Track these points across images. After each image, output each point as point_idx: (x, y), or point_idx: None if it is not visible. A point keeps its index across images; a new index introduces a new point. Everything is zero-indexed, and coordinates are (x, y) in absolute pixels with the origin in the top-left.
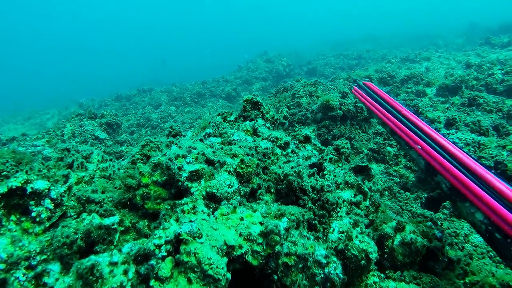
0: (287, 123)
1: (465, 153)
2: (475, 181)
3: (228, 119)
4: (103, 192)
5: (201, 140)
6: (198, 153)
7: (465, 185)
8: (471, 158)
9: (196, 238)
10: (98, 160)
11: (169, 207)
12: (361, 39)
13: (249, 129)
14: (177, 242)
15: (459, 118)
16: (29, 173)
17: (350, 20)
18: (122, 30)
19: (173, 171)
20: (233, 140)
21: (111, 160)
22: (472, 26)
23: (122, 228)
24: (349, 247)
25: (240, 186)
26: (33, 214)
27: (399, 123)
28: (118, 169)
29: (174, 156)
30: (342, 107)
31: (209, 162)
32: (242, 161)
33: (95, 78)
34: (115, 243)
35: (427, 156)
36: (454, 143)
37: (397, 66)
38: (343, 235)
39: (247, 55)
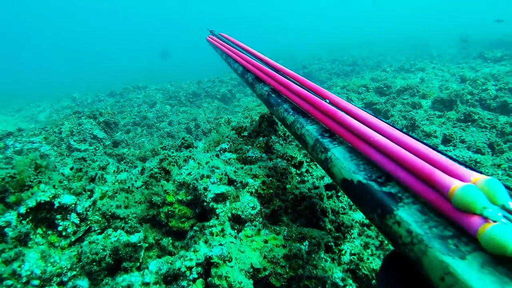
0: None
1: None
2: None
3: (242, 134)
4: (126, 207)
5: (217, 156)
6: (222, 173)
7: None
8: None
9: (227, 261)
10: (113, 171)
11: (197, 228)
12: (356, 44)
13: (263, 145)
14: (207, 265)
15: (455, 135)
16: (56, 187)
17: (346, 24)
18: (117, 19)
19: (199, 191)
20: (249, 156)
21: (126, 170)
22: (465, 38)
23: (146, 245)
24: (360, 267)
25: (262, 208)
26: (60, 228)
27: (252, 60)
28: (135, 181)
29: (199, 176)
30: None
31: (231, 181)
32: (263, 182)
33: (88, 71)
34: (140, 260)
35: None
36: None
37: (392, 76)
38: (355, 257)
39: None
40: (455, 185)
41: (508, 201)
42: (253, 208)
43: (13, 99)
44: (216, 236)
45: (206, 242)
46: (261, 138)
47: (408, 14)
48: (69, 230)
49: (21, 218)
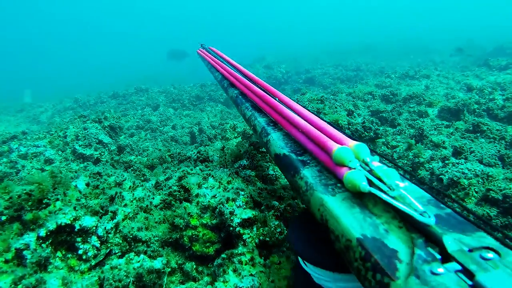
0: None
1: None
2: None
3: (261, 149)
4: (147, 229)
5: (236, 173)
6: (248, 196)
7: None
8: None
9: None
10: (129, 187)
11: (226, 256)
12: (359, 48)
13: None
14: None
15: (465, 146)
16: (76, 208)
17: (349, 27)
18: (119, 21)
19: (226, 216)
20: (269, 175)
21: (141, 185)
22: (469, 43)
23: (169, 269)
24: None
25: None
26: (80, 251)
27: (229, 69)
28: (153, 198)
29: (225, 200)
30: (350, 127)
31: (257, 204)
32: (289, 205)
33: (91, 71)
34: (164, 287)
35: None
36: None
37: (397, 82)
38: None
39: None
40: (335, 147)
41: (367, 157)
42: (280, 233)
43: (15, 101)
44: (246, 265)
45: (235, 271)
46: None
47: (408, 16)
48: (89, 254)
49: (40, 241)
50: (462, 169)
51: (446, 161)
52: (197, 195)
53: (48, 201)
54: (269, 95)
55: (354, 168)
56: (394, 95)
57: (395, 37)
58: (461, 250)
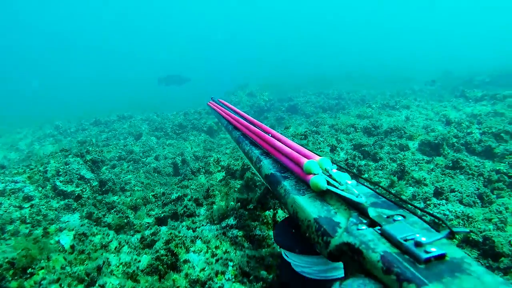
0: None
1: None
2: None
3: (248, 207)
4: None
5: (224, 234)
6: (236, 268)
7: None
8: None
9: None
10: (115, 248)
11: None
12: (340, 75)
13: (270, 221)
14: None
15: (445, 184)
16: (62, 286)
17: (331, 54)
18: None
19: None
20: (256, 235)
21: (127, 243)
22: (446, 74)
23: None
24: None
25: None
26: None
27: (234, 116)
28: (139, 261)
29: (214, 274)
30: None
31: (245, 274)
32: (277, 276)
33: (73, 96)
34: None
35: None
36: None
37: (378, 112)
38: None
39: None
40: (305, 161)
41: (327, 166)
42: None
43: None
44: None
45: None
46: (267, 212)
47: (390, 45)
48: None
49: None
50: (443, 210)
51: (428, 202)
52: (185, 261)
53: (32, 270)
54: (264, 132)
55: (318, 174)
56: (375, 127)
57: (376, 65)
58: (379, 215)
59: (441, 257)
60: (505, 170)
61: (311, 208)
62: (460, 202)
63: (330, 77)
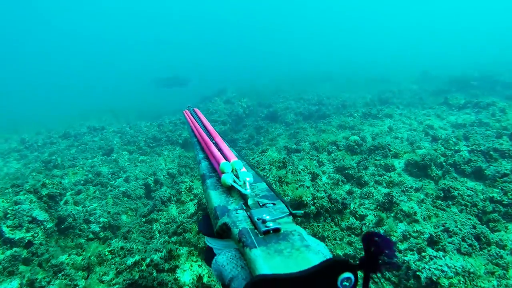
0: None
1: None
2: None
3: None
4: None
5: None
6: None
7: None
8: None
9: None
10: None
11: None
12: (320, 77)
13: None
14: None
15: (440, 230)
16: None
17: (309, 55)
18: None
19: None
20: None
21: None
22: (424, 74)
23: None
24: None
25: None
26: None
27: (202, 132)
28: None
29: None
30: (315, 201)
31: None
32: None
33: (42, 100)
34: None
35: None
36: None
37: (360, 122)
38: None
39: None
40: (222, 162)
41: (237, 167)
42: None
43: None
44: None
45: None
46: None
47: (365, 46)
48: None
49: None
50: (441, 265)
51: (423, 253)
52: None
53: None
54: (210, 139)
55: (228, 173)
56: (358, 145)
57: (352, 66)
58: (255, 203)
59: (277, 230)
60: (498, 198)
61: (216, 199)
62: (458, 251)
63: (310, 79)
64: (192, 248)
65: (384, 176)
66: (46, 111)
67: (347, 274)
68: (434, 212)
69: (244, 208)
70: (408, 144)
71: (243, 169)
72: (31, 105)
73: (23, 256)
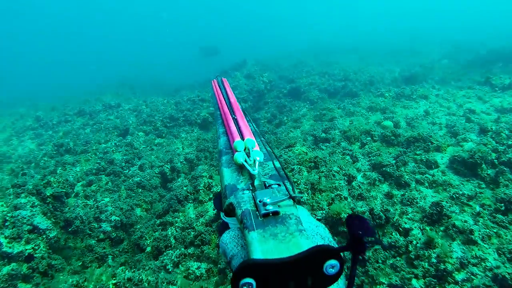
0: None
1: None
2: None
3: None
4: None
5: None
6: None
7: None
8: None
9: None
10: None
11: None
12: (344, 48)
13: None
14: None
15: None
16: None
17: (330, 24)
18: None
19: None
20: None
21: None
22: (455, 47)
23: None
24: None
25: None
26: None
27: (224, 105)
28: None
29: None
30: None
31: None
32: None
33: (58, 75)
34: None
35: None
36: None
37: (392, 103)
38: None
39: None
40: (236, 139)
41: (250, 146)
42: None
43: None
44: None
45: None
46: None
47: (388, 17)
48: None
49: None
50: None
51: None
52: None
53: None
54: (231, 114)
55: (240, 151)
56: (396, 136)
57: (376, 37)
58: (260, 184)
59: (276, 213)
60: None
61: (227, 177)
62: None
63: (334, 51)
64: (211, 265)
65: (426, 175)
66: (71, 82)
67: (332, 261)
68: (494, 231)
69: (251, 188)
70: (448, 132)
71: (256, 147)
72: (59, 76)
73: (22, 273)
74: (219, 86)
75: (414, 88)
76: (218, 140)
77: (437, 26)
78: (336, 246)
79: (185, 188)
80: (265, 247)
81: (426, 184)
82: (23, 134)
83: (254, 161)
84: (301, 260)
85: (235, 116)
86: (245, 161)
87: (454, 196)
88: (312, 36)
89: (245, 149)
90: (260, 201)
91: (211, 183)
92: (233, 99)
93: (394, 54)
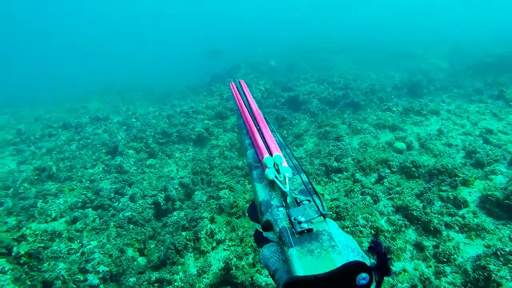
0: None
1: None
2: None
3: None
4: None
5: None
6: None
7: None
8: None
9: None
10: None
11: None
12: (337, 48)
13: None
14: None
15: None
16: None
17: (321, 21)
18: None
19: None
20: None
21: None
22: (455, 49)
23: None
24: None
25: None
26: None
27: (247, 113)
28: None
29: None
30: None
31: None
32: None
33: (41, 78)
34: None
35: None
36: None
37: (401, 119)
38: None
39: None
40: (264, 156)
41: (278, 162)
42: None
43: None
44: None
45: None
46: None
47: (383, 17)
48: None
49: None
50: None
51: None
52: None
53: None
54: (255, 123)
55: (270, 168)
56: (416, 167)
57: (370, 34)
58: (293, 201)
59: (310, 230)
60: None
61: (261, 193)
62: None
63: (326, 51)
64: None
65: (456, 217)
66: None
67: (364, 274)
68: None
69: (284, 205)
70: (467, 157)
71: (284, 163)
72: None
73: None
74: (238, 89)
75: (424, 103)
76: (246, 152)
77: (431, 25)
78: (365, 255)
79: (183, 233)
80: (304, 263)
81: (457, 228)
82: (3, 150)
83: (284, 177)
84: (338, 274)
85: (258, 126)
86: (276, 177)
87: (499, 253)
88: (302, 33)
89: (274, 165)
90: (295, 219)
91: (214, 229)
92: (254, 106)
93: (389, 56)
